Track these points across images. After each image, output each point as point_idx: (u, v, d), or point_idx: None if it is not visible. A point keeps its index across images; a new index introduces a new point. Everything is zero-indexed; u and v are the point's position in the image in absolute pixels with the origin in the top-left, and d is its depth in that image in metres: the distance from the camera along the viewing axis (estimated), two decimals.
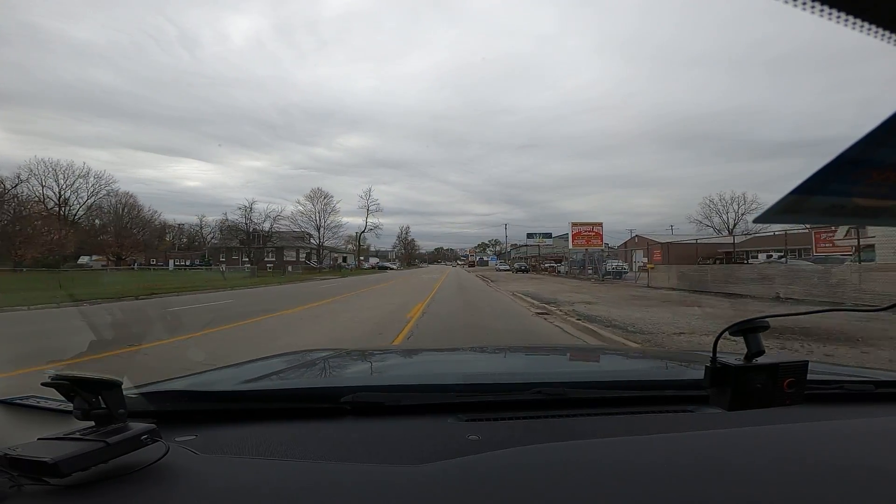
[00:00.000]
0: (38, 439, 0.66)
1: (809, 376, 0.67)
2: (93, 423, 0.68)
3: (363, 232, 68.97)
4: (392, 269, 73.72)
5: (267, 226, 49.57)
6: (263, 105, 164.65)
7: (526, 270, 47.33)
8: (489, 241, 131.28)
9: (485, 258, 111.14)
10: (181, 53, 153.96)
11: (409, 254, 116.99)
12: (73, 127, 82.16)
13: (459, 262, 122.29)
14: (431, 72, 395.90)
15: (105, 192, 51.36)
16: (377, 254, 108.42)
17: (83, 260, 49.20)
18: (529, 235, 67.28)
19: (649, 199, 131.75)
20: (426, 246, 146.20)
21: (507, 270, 54.17)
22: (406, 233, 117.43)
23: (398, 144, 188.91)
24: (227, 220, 52.07)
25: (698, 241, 24.51)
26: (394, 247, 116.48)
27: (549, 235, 65.08)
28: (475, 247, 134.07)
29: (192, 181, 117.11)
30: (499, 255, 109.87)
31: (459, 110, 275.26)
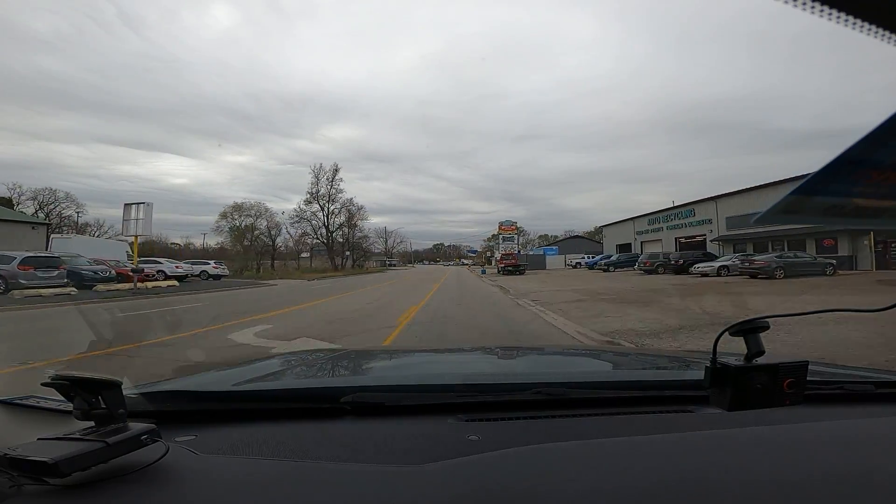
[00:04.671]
0: (38, 439, 0.66)
1: (809, 376, 0.67)
2: (93, 424, 0.68)
3: None
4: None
5: None
6: (232, 92, 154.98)
7: None
8: (509, 226, 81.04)
9: (530, 251, 60.14)
10: (126, 34, 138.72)
11: (333, 242, 51.76)
12: (35, 121, 76.95)
13: (465, 262, 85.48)
14: (415, 50, 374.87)
15: None
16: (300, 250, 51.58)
17: None
18: None
19: (656, 195, 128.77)
20: (423, 245, 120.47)
21: None
22: (331, 177, 50.68)
23: (387, 136, 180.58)
24: None
25: None
26: (298, 228, 51.35)
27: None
28: (494, 234, 63.50)
29: (177, 178, 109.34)
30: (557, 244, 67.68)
31: (449, 95, 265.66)
